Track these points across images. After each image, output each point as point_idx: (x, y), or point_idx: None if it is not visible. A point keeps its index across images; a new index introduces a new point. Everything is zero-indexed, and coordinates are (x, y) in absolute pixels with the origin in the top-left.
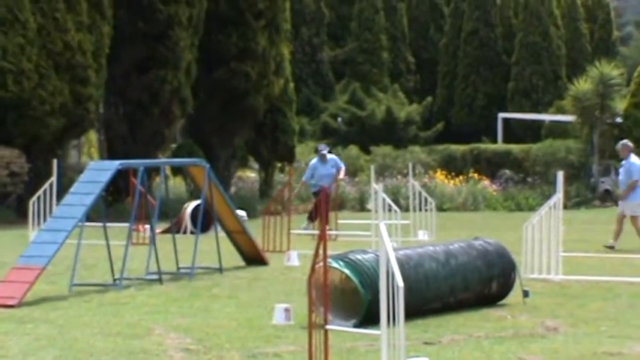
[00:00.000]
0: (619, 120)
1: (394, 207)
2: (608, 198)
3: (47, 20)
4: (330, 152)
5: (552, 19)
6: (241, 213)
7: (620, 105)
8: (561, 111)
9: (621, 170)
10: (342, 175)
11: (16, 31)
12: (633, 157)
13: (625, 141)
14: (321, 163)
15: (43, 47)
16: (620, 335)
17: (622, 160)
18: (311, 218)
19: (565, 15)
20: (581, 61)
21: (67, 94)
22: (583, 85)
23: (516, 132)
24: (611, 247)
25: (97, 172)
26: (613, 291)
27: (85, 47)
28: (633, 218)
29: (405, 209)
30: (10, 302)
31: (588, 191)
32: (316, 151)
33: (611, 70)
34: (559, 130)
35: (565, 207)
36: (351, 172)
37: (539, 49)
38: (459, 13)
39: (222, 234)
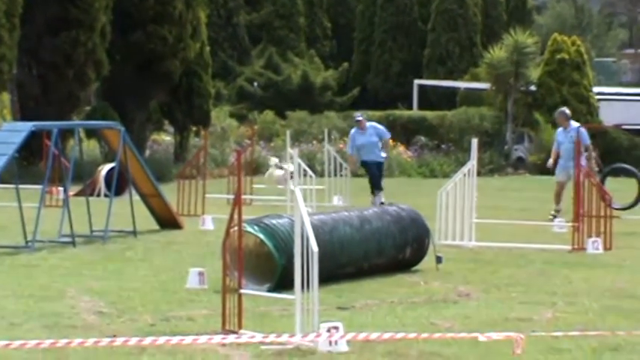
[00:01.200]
0: (533, 88)
1: (309, 172)
2: (521, 165)
3: None
4: (368, 120)
5: None
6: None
7: (534, 73)
8: (476, 78)
9: (563, 138)
10: (386, 148)
11: None
12: (574, 123)
13: (563, 109)
14: (359, 132)
15: None
16: (530, 301)
17: (558, 127)
18: (373, 191)
19: None
20: (497, 29)
21: None
22: (498, 52)
23: (432, 99)
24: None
25: (10, 134)
26: (525, 258)
27: None
28: (561, 183)
29: (320, 175)
30: None
31: (502, 158)
32: (231, 115)
33: (526, 39)
34: (474, 98)
35: (479, 174)
36: (267, 137)
37: (455, 16)
38: None
39: (136, 197)
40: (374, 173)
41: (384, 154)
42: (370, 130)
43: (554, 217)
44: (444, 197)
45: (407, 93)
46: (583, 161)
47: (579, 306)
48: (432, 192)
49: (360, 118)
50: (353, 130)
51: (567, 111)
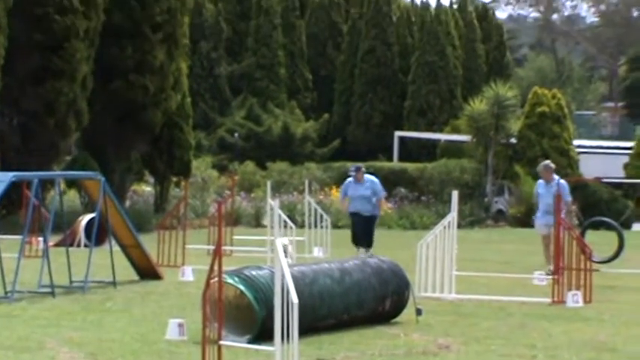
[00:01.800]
0: (513, 140)
1: (290, 223)
2: (501, 218)
3: None
4: (370, 173)
5: (449, 40)
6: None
7: (515, 126)
8: (457, 130)
9: (545, 191)
10: (378, 205)
11: None
12: (558, 177)
13: (547, 162)
14: (353, 183)
15: None
16: (510, 354)
17: (539, 180)
18: (356, 242)
19: (462, 35)
20: (477, 82)
21: None
22: (478, 105)
23: (412, 150)
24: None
25: None
26: (505, 310)
27: None
28: (546, 237)
29: (301, 225)
30: None
31: (482, 210)
32: (213, 166)
33: (506, 92)
34: (454, 150)
35: (459, 226)
36: (247, 188)
37: (435, 68)
38: (357, 30)
39: (116, 248)
40: (360, 229)
41: (376, 211)
42: (367, 184)
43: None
44: (424, 249)
45: (387, 144)
46: (562, 215)
47: (559, 359)
48: (412, 244)
49: (358, 169)
50: (347, 181)
51: (552, 165)
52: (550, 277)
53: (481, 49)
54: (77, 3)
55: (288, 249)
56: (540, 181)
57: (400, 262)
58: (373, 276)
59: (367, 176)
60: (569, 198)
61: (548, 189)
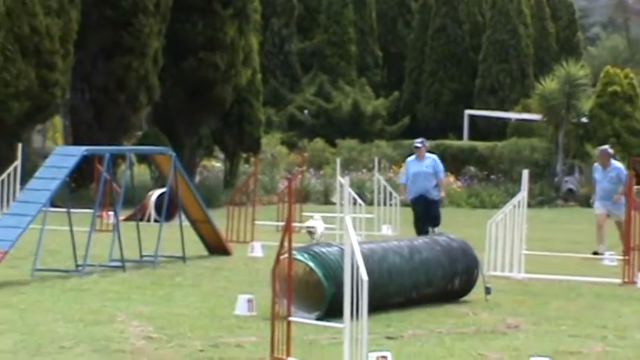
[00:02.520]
0: (584, 120)
1: (359, 201)
2: (572, 197)
3: (16, 3)
4: (430, 152)
5: (521, 18)
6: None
7: (586, 105)
8: (527, 109)
9: (602, 176)
10: (441, 186)
11: None
12: (617, 163)
13: (606, 147)
14: (416, 160)
15: (10, 30)
16: (580, 334)
17: (595, 164)
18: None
19: (533, 14)
20: (548, 60)
21: (32, 78)
22: (549, 84)
23: (482, 129)
24: (597, 254)
25: (62, 158)
26: (575, 290)
27: (53, 32)
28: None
29: (370, 203)
30: None
31: (552, 190)
32: (283, 143)
33: (578, 70)
34: (524, 129)
35: (529, 205)
36: (317, 165)
37: (506, 46)
38: (427, 8)
39: (186, 223)
40: (421, 216)
41: (438, 192)
42: (428, 161)
43: (601, 253)
44: (493, 228)
45: (457, 123)
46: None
47: (630, 340)
48: (482, 222)
49: (420, 145)
50: (409, 158)
51: (610, 150)
52: (599, 256)
53: (552, 27)
54: None
55: (317, 231)
56: (597, 166)
57: (469, 241)
58: (442, 254)
59: (430, 155)
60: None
61: (605, 175)
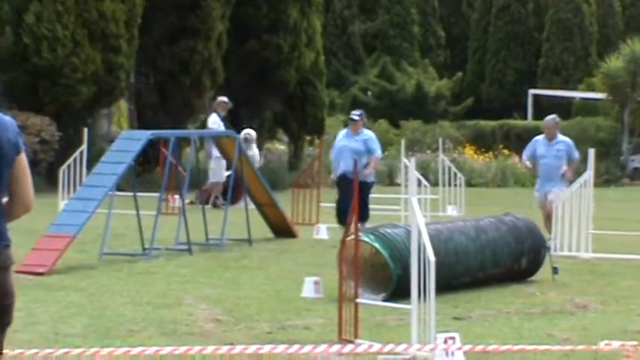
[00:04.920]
0: None
1: (424, 181)
2: (638, 176)
3: None
4: (366, 127)
5: None
6: None
7: None
8: (592, 88)
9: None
10: (371, 164)
11: None
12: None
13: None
14: (347, 134)
15: (79, 16)
16: None
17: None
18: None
19: None
20: (613, 39)
21: (99, 62)
22: (614, 62)
23: (546, 108)
24: None
25: (128, 142)
26: None
27: (118, 16)
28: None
29: (434, 184)
30: (40, 270)
31: (618, 169)
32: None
33: None
34: (589, 108)
35: (595, 185)
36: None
37: (570, 25)
38: None
39: (251, 206)
40: (345, 202)
41: (368, 172)
42: (361, 137)
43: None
44: (559, 208)
45: (521, 103)
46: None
47: None
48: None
49: (357, 118)
50: (340, 132)
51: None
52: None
53: (617, 5)
54: None
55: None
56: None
57: (535, 221)
58: (509, 234)
59: (367, 131)
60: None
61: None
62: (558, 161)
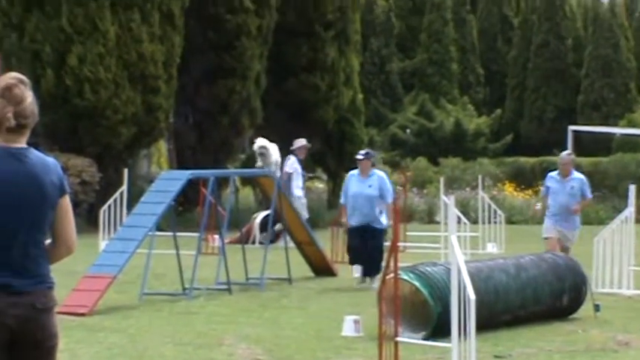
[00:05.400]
0: None
1: (463, 219)
2: None
3: (124, 31)
4: (374, 165)
5: (622, 31)
6: None
7: None
8: (632, 124)
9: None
10: (388, 212)
11: (96, 40)
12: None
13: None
14: (358, 177)
15: (120, 57)
16: None
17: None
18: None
19: (634, 26)
20: None
21: (138, 103)
22: None
23: (586, 145)
24: None
25: (167, 182)
26: None
27: (157, 58)
28: None
29: (474, 221)
30: (82, 310)
31: None
32: (385, 163)
33: None
34: (630, 143)
35: (636, 221)
36: (419, 184)
37: (609, 61)
38: (529, 25)
39: (291, 245)
40: (358, 246)
41: (384, 220)
42: (373, 180)
43: None
44: (600, 244)
45: (561, 139)
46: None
47: None
48: (588, 239)
49: (361, 157)
50: (350, 174)
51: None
52: None
53: None
54: (249, 2)
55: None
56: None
57: (576, 257)
58: (549, 271)
59: (378, 171)
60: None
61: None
62: (572, 199)
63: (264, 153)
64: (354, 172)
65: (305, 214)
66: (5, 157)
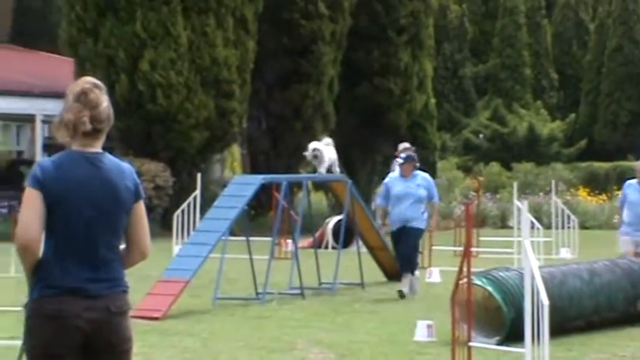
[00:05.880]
0: None
1: (536, 224)
2: None
3: (197, 36)
4: (420, 169)
5: None
6: None
7: None
8: None
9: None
10: (434, 214)
11: (168, 45)
12: None
13: None
14: (400, 177)
15: (192, 62)
16: None
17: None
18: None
19: None
20: None
21: (211, 108)
22: None
23: None
24: None
25: (240, 187)
26: None
27: (231, 62)
28: None
29: (547, 227)
30: (155, 314)
31: None
32: (458, 167)
33: None
34: None
35: None
36: (492, 189)
37: None
38: (605, 29)
39: (363, 249)
40: (406, 252)
41: (425, 219)
42: (418, 180)
43: None
44: None
45: (635, 144)
46: None
47: None
48: None
49: (402, 160)
50: (392, 174)
51: None
52: None
53: None
54: (323, 7)
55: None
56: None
57: None
58: (624, 277)
59: (420, 173)
60: None
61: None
62: None
63: (317, 155)
64: (394, 173)
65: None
66: (81, 161)
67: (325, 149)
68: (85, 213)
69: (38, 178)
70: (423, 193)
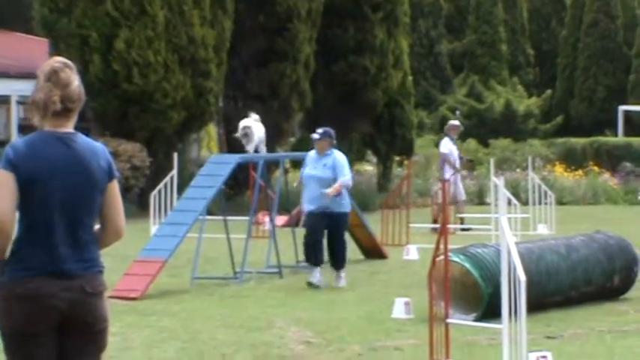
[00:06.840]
0: None
1: (514, 200)
2: None
3: (174, 15)
4: (337, 147)
5: None
6: None
7: None
8: None
9: None
10: (337, 187)
11: (145, 24)
12: None
13: None
14: (316, 157)
15: (169, 41)
16: None
17: None
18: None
19: None
20: None
21: (188, 87)
22: None
23: (637, 125)
24: None
25: (217, 166)
26: None
27: (208, 42)
28: None
29: (524, 203)
30: (133, 295)
31: None
32: (436, 145)
33: None
34: None
35: None
36: (470, 166)
37: None
38: (580, 4)
39: None
40: (317, 238)
41: (344, 201)
42: (329, 158)
43: None
44: None
45: (612, 119)
46: None
47: None
48: (638, 219)
49: (318, 137)
50: (310, 153)
51: None
52: None
53: None
54: None
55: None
56: None
57: (627, 238)
58: (600, 252)
59: (336, 152)
60: None
61: None
62: None
63: (247, 133)
64: (313, 152)
65: (462, 194)
66: (53, 141)
67: (255, 126)
68: (59, 193)
69: (10, 160)
70: (327, 174)
